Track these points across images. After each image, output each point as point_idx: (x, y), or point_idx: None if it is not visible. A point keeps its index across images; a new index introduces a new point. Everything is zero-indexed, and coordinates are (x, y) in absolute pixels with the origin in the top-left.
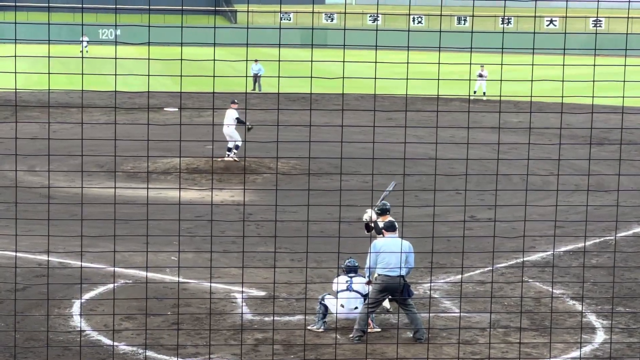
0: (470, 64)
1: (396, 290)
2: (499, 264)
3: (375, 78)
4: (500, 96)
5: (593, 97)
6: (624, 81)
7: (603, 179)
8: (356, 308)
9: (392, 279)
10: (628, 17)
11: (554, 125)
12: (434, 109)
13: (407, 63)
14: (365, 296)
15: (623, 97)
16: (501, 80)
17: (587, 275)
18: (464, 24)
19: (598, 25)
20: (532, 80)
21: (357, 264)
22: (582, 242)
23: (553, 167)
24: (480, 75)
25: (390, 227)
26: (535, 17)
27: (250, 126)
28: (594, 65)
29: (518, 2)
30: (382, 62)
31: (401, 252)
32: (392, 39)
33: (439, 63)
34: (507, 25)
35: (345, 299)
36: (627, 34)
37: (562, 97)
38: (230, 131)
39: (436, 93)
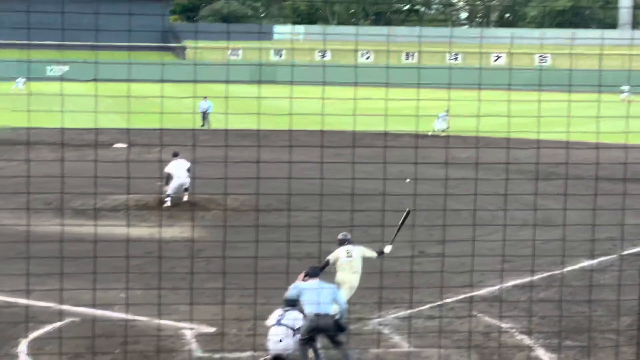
0: (418, 99)
1: (326, 329)
2: (449, 298)
3: (322, 114)
4: (449, 131)
5: (539, 132)
6: (569, 116)
7: (551, 214)
8: (280, 341)
9: (321, 318)
10: (571, 54)
11: (502, 160)
12: (385, 144)
13: (354, 99)
14: (296, 331)
15: (568, 132)
16: (448, 115)
17: (535, 309)
18: (412, 59)
19: (543, 61)
20: (478, 116)
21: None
22: (530, 276)
23: (501, 201)
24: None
25: (313, 274)
26: (480, 53)
27: (193, 175)
28: (539, 100)
29: (465, 38)
30: (329, 98)
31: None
32: (340, 75)
33: (385, 99)
34: (455, 60)
35: (272, 334)
36: (570, 70)
37: (509, 132)
38: (183, 180)
39: (387, 128)
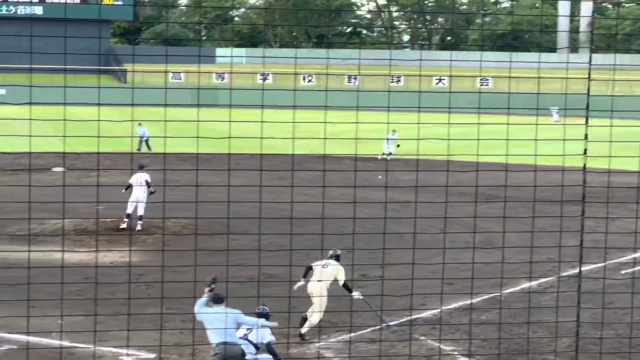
0: (357, 122)
1: (234, 356)
2: (391, 321)
3: (261, 138)
4: (391, 154)
5: (478, 155)
6: (507, 139)
7: (492, 236)
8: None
9: (229, 347)
10: (510, 77)
11: (444, 182)
12: (326, 168)
13: (293, 122)
14: (254, 345)
15: (507, 154)
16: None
17: (477, 332)
18: (354, 82)
19: (485, 84)
20: (418, 139)
21: (267, 311)
22: (472, 298)
23: (443, 224)
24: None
25: (217, 300)
26: (420, 75)
27: (154, 190)
28: (478, 123)
29: (406, 61)
30: (268, 121)
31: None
32: (281, 98)
33: (324, 122)
34: (397, 83)
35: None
36: (509, 92)
37: (448, 155)
38: (139, 194)
39: (329, 151)
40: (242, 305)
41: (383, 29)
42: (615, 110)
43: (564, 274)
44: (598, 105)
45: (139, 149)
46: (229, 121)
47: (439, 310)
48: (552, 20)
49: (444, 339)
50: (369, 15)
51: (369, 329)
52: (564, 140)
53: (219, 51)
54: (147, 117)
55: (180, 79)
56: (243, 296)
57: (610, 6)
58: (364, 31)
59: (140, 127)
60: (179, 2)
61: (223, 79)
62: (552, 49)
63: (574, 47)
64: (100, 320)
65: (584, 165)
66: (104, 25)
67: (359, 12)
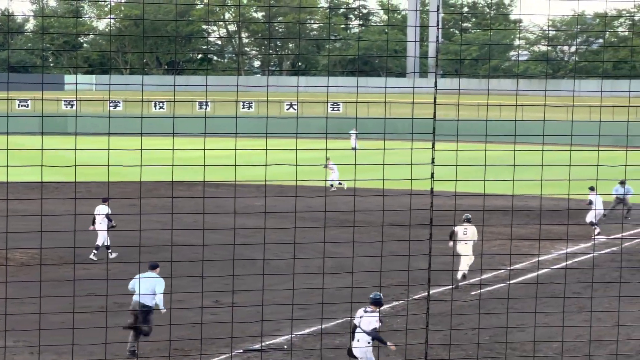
0: (205, 149)
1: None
2: (245, 347)
3: (108, 165)
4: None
5: (325, 180)
6: (355, 164)
7: (345, 260)
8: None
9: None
10: (357, 102)
11: (297, 207)
12: (177, 195)
13: (141, 150)
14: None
15: (355, 179)
16: (236, 165)
17: (330, 356)
18: (249, 109)
19: (336, 109)
20: (266, 165)
21: (379, 297)
22: (325, 323)
23: (297, 249)
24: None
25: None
26: (267, 101)
27: (114, 224)
28: (326, 148)
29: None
30: (116, 148)
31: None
32: (131, 125)
33: (172, 149)
34: (249, 110)
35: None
36: (356, 117)
37: (297, 180)
38: (101, 228)
39: (180, 178)
40: (95, 338)
41: (233, 55)
42: (461, 134)
43: (416, 296)
44: (445, 129)
45: None
46: (75, 149)
47: (292, 335)
48: (402, 45)
49: None
50: (219, 42)
51: (224, 356)
52: (411, 164)
53: (68, 78)
54: None
55: (27, 106)
56: (93, 327)
57: (457, 32)
58: (215, 57)
59: None
60: (25, 28)
61: (72, 106)
62: (402, 73)
63: (422, 72)
64: None
65: (431, 188)
66: None
67: (209, 39)
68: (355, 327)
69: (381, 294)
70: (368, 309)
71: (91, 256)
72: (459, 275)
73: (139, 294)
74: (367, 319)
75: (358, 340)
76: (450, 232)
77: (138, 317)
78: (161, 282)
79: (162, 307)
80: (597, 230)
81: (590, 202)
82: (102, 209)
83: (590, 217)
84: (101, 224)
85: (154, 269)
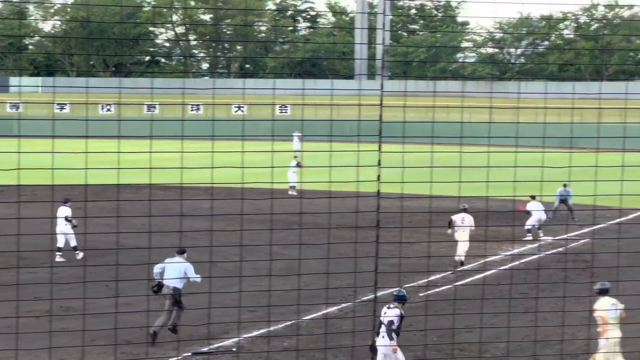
0: (150, 152)
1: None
2: (194, 350)
3: (52, 169)
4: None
5: (272, 182)
6: (302, 166)
7: (294, 262)
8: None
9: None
10: (303, 104)
11: (246, 209)
12: (125, 198)
13: (86, 153)
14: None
15: (302, 182)
16: (182, 168)
17: (278, 358)
18: (154, 111)
19: (284, 111)
20: (212, 168)
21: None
22: (274, 325)
23: (245, 252)
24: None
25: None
26: (213, 103)
27: (75, 224)
28: (272, 151)
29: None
30: (61, 152)
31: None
32: (77, 128)
33: (119, 152)
34: (197, 112)
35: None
36: (302, 120)
37: (243, 183)
38: (63, 229)
39: (127, 181)
40: (39, 340)
41: (182, 57)
42: (407, 136)
43: (364, 298)
44: (393, 131)
45: None
46: (18, 152)
47: (241, 337)
48: (350, 47)
49: None
50: (167, 44)
51: (173, 359)
52: (357, 166)
53: (13, 80)
54: None
55: None
56: (39, 331)
57: (405, 34)
58: (163, 59)
59: None
60: None
61: (18, 108)
62: (350, 76)
63: (370, 74)
64: None
65: (378, 190)
66: None
67: (157, 41)
68: (380, 323)
69: (404, 291)
70: (391, 306)
71: (57, 259)
72: (457, 260)
73: (169, 278)
74: (389, 315)
75: (383, 337)
76: (448, 221)
77: (170, 299)
78: (190, 266)
79: (198, 278)
80: (541, 234)
81: (528, 212)
82: (63, 211)
83: (531, 222)
84: (64, 225)
85: (182, 254)
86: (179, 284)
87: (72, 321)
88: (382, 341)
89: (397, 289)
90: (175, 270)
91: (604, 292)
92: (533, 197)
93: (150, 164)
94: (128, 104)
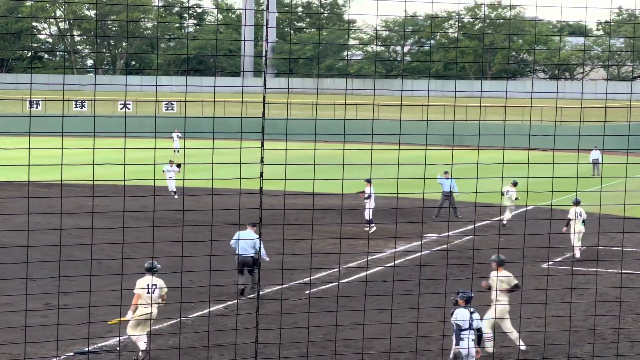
0: (29, 148)
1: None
2: (76, 350)
3: None
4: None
5: (154, 179)
6: (186, 163)
7: (180, 260)
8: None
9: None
10: (186, 101)
11: (131, 207)
12: (6, 195)
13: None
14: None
15: (184, 179)
16: (62, 165)
17: (164, 357)
18: (37, 107)
19: (170, 108)
20: (93, 165)
21: (465, 293)
22: (159, 324)
23: (131, 249)
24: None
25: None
26: (94, 100)
27: None
28: (154, 148)
29: (91, 86)
30: None
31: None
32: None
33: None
34: (82, 109)
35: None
36: (185, 116)
37: (125, 180)
38: None
39: (11, 178)
40: None
41: (66, 53)
42: (290, 133)
43: (250, 296)
44: (277, 129)
45: None
46: None
47: (124, 337)
48: (237, 45)
49: None
50: (51, 40)
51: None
52: (240, 163)
53: None
54: None
55: None
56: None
57: (293, 32)
58: (46, 55)
59: None
60: None
61: None
62: (236, 72)
63: (257, 72)
64: None
65: (260, 187)
66: None
67: (40, 36)
68: (467, 327)
69: (467, 291)
70: (472, 309)
71: None
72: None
73: (243, 253)
74: (476, 318)
75: (473, 341)
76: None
77: (245, 265)
78: (261, 243)
79: (266, 257)
80: (373, 228)
81: (369, 196)
82: None
83: (371, 205)
84: None
85: (254, 226)
86: (251, 252)
87: None
88: (468, 344)
89: (468, 291)
90: (248, 244)
91: (501, 264)
92: (369, 181)
93: (29, 161)
94: (10, 100)
